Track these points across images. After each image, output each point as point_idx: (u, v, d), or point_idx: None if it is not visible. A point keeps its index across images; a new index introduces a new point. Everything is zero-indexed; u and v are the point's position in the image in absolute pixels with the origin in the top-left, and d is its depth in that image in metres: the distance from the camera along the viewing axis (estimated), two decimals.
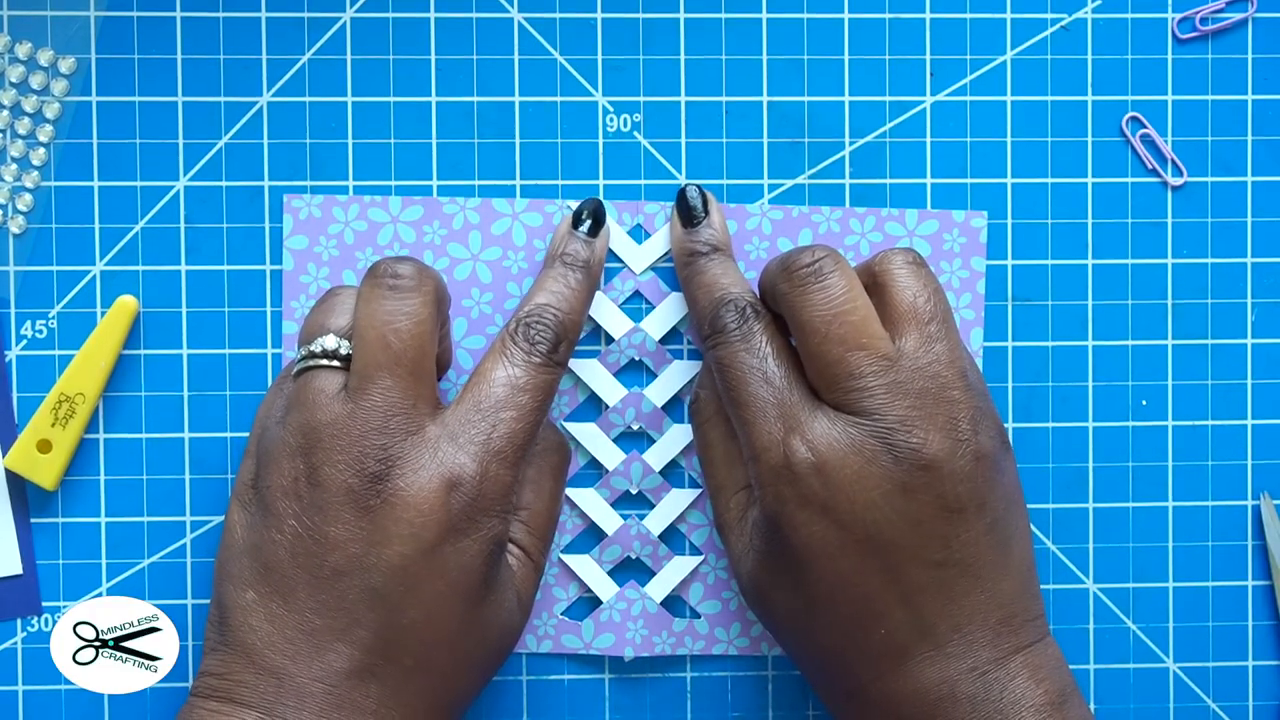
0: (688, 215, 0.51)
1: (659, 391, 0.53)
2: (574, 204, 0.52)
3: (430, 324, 0.46)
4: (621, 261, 0.53)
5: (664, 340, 0.53)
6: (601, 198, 0.53)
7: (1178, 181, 0.54)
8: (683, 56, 0.53)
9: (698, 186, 0.51)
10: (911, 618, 0.46)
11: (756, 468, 0.47)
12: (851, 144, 0.53)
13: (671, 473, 0.53)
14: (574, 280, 0.50)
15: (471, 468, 0.45)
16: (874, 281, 0.48)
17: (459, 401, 0.47)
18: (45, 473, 0.51)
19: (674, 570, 0.53)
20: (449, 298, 0.49)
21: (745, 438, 0.47)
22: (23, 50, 0.52)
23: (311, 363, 0.47)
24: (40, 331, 0.52)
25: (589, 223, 0.51)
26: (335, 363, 0.47)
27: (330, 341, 0.47)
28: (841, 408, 0.46)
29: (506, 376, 0.47)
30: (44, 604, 0.52)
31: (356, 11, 0.53)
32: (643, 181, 0.53)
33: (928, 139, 0.53)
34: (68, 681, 0.50)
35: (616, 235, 0.53)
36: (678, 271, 0.52)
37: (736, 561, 0.50)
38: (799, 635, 0.48)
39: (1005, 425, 0.53)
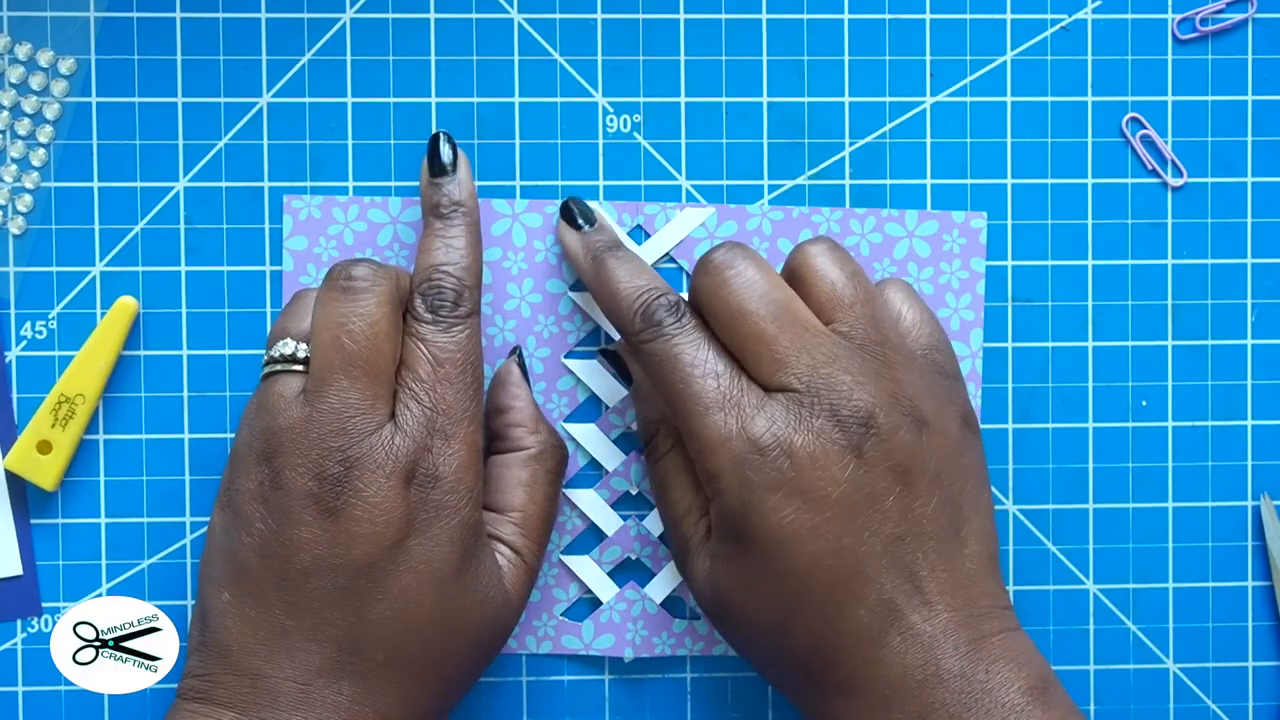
0: (573, 219, 0.51)
1: None
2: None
3: (386, 324, 0.46)
4: None
5: None
6: (602, 199, 0.53)
7: (1178, 182, 0.54)
8: (683, 57, 0.53)
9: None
10: (882, 595, 0.45)
11: (714, 461, 0.46)
12: (851, 145, 0.53)
13: None
14: (452, 230, 0.49)
15: (424, 457, 0.46)
16: (793, 276, 0.48)
17: (398, 393, 0.47)
18: (45, 473, 0.51)
19: (674, 571, 0.53)
20: None
21: (697, 433, 0.46)
22: (22, 51, 0.52)
23: (273, 367, 0.47)
24: (40, 332, 0.52)
25: (445, 157, 0.50)
26: (296, 367, 0.47)
27: (289, 346, 0.47)
28: (786, 389, 0.46)
29: (423, 354, 0.47)
30: (44, 605, 0.52)
31: (356, 12, 0.53)
32: (643, 182, 0.53)
33: (928, 140, 0.53)
34: (68, 682, 0.50)
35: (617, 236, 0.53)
36: (583, 272, 0.50)
37: (703, 578, 0.48)
38: (775, 638, 0.47)
39: (1005, 425, 0.53)
